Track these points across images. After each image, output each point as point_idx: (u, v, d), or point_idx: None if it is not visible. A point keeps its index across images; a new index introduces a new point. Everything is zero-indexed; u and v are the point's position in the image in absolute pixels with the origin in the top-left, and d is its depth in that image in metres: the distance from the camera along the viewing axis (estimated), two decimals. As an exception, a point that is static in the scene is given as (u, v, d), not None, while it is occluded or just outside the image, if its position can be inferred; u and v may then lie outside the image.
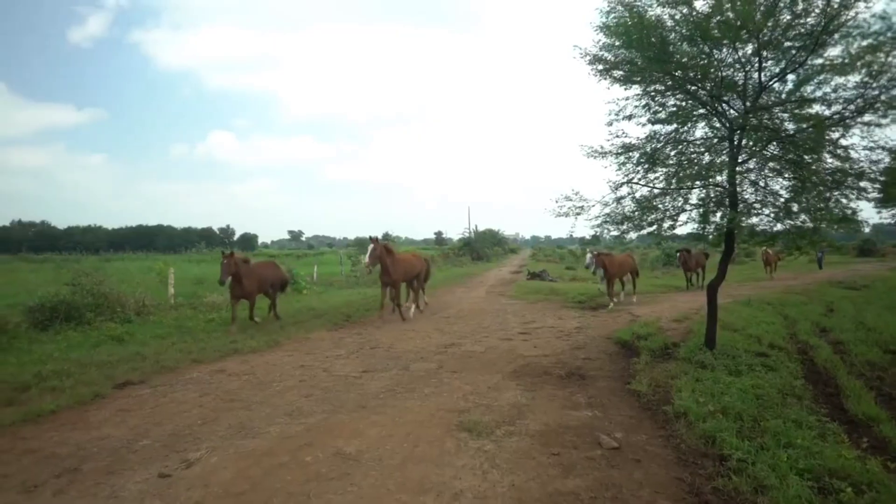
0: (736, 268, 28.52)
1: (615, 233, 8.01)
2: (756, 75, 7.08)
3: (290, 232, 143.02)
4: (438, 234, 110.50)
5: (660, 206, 7.79)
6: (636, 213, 7.78)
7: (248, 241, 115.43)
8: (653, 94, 7.92)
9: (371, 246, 11.85)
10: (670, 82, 7.62)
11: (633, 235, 8.38)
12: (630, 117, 8.08)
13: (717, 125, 7.73)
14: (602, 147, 8.15)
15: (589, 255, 16.04)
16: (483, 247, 51.36)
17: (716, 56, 7.24)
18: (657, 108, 7.98)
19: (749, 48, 6.97)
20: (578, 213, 7.86)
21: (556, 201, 7.99)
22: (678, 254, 19.94)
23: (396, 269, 12.43)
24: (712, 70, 7.29)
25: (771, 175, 7.30)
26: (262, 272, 11.68)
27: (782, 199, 7.04)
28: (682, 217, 7.75)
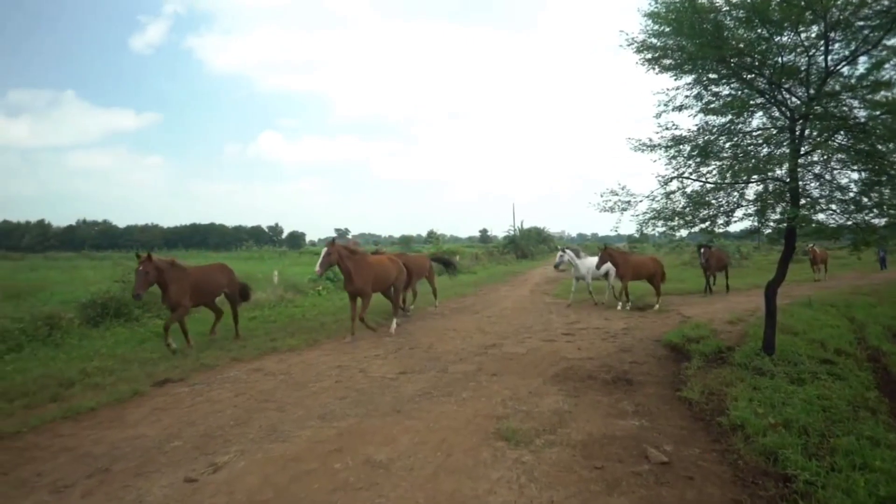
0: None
1: (663, 229, 7.59)
2: (821, 59, 6.54)
3: (337, 230, 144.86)
4: (483, 231, 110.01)
5: (713, 201, 7.34)
6: (687, 208, 7.35)
7: (296, 238, 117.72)
8: (705, 82, 7.46)
9: (325, 249, 9.82)
10: (724, 70, 7.15)
11: (683, 233, 7.93)
12: (681, 108, 7.65)
13: (777, 115, 7.21)
14: (651, 140, 7.74)
15: (560, 254, 15.16)
16: (528, 245, 50.71)
17: (775, 40, 6.72)
18: (710, 97, 7.51)
19: (814, 30, 6.44)
20: (625, 209, 7.48)
21: (602, 196, 7.64)
22: (701, 250, 17.29)
23: (362, 276, 10.14)
24: (771, 55, 6.79)
25: (838, 167, 6.73)
26: (202, 278, 9.30)
27: (851, 194, 6.48)
28: (738, 213, 7.29)
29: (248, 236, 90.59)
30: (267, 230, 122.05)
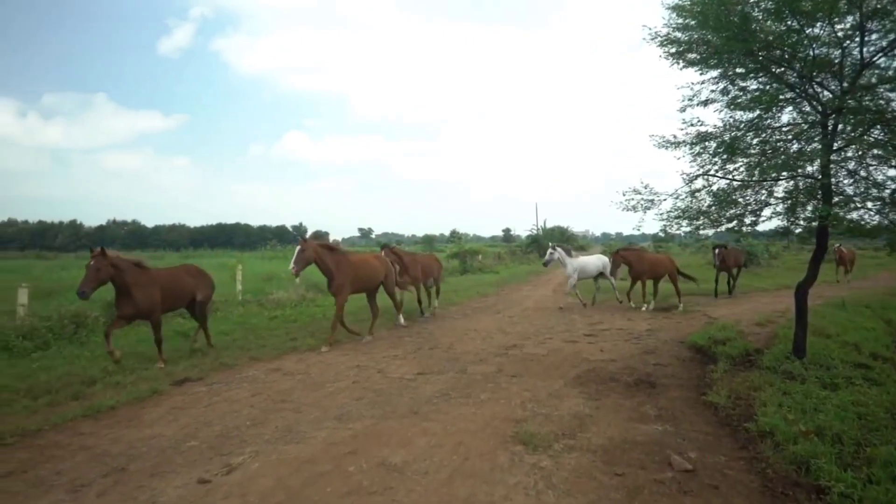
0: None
1: (688, 229, 7.39)
2: (857, 51, 6.29)
3: (360, 229, 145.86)
4: (506, 231, 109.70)
5: (740, 199, 7.12)
6: (713, 207, 7.15)
7: (320, 238, 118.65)
8: (732, 77, 7.25)
9: (298, 247, 9.21)
10: (752, 64, 6.93)
11: (709, 232, 7.71)
12: (706, 103, 7.45)
13: (808, 109, 6.97)
14: (675, 137, 7.55)
15: (549, 251, 14.77)
16: (551, 244, 50.31)
17: (807, 32, 6.48)
18: (737, 92, 7.30)
19: (849, 21, 6.20)
20: (648, 208, 7.30)
21: (624, 195, 7.46)
22: (716, 250, 16.39)
23: (342, 274, 9.58)
24: (802, 48, 6.55)
25: (874, 164, 6.46)
26: (170, 282, 8.16)
27: (888, 191, 6.22)
28: (766, 212, 7.05)
29: (273, 236, 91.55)
30: (291, 229, 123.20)
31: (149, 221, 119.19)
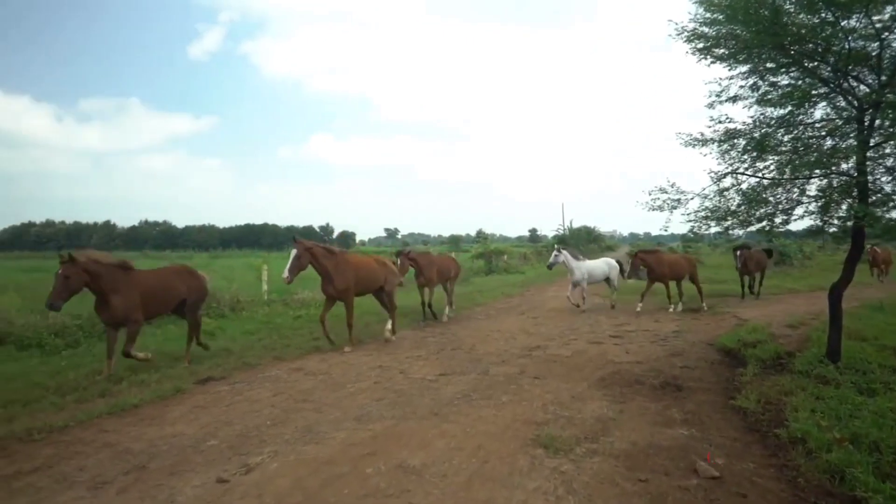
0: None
1: (717, 229, 7.20)
2: None
3: (387, 230, 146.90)
4: (532, 231, 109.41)
5: (770, 198, 6.91)
6: (742, 206, 6.95)
7: (347, 238, 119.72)
8: (762, 72, 7.04)
9: (293, 251, 8.53)
10: (784, 58, 6.72)
11: (738, 232, 7.50)
12: (734, 99, 7.25)
13: (843, 104, 6.72)
14: (702, 134, 7.37)
15: (555, 253, 13.99)
16: (577, 244, 49.88)
17: (842, 24, 6.25)
18: (767, 87, 7.09)
19: (888, 11, 5.96)
20: (674, 207, 7.13)
21: (650, 194, 7.30)
22: (737, 253, 15.45)
23: (343, 277, 9.01)
24: (837, 41, 6.33)
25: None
26: (155, 285, 7.45)
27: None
28: (798, 211, 6.83)
29: (300, 236, 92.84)
30: (318, 230, 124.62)
31: (179, 222, 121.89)
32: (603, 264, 14.81)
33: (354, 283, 9.29)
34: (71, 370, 6.91)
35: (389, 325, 9.93)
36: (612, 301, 14.46)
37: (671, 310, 13.44)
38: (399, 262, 11.64)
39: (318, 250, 8.78)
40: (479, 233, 59.34)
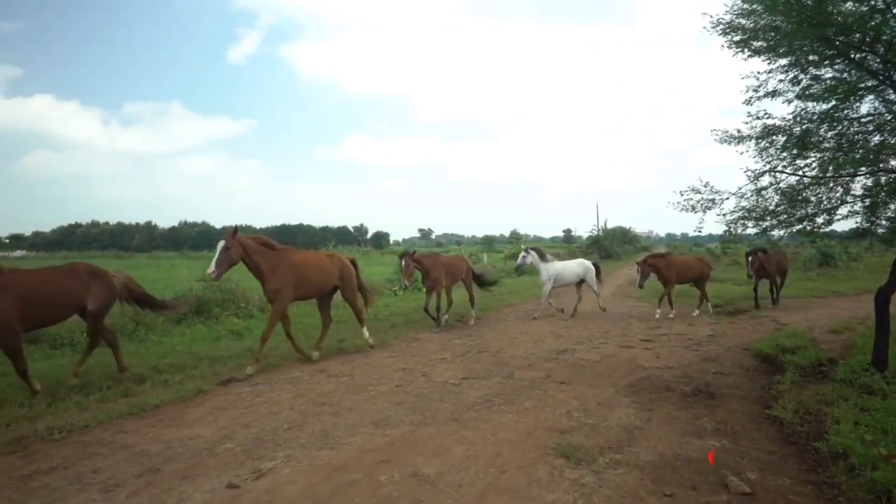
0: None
1: (754, 230, 6.88)
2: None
3: (420, 230, 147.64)
4: (567, 231, 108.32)
5: (812, 197, 6.56)
6: (781, 206, 6.62)
7: (381, 238, 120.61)
8: (804, 65, 6.68)
9: (221, 243, 7.21)
10: (828, 50, 6.36)
11: (778, 233, 7.16)
12: (773, 94, 6.91)
13: (893, 97, 6.34)
14: (739, 131, 7.06)
15: (522, 255, 13.34)
16: (612, 245, 49.08)
17: (893, 12, 5.88)
18: (809, 81, 6.73)
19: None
20: (708, 208, 6.84)
21: (682, 194, 7.03)
22: (749, 257, 13.82)
23: (281, 276, 7.72)
24: (887, 30, 5.94)
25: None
26: (42, 285, 6.24)
27: None
28: (842, 210, 6.47)
29: (334, 236, 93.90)
30: (352, 230, 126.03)
31: (217, 222, 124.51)
32: (576, 266, 13.83)
33: (296, 286, 7.96)
34: (98, 369, 7.01)
35: (366, 333, 9.06)
36: (575, 307, 13.37)
37: (695, 313, 12.81)
38: (403, 264, 11.22)
39: (250, 244, 7.59)
40: (513, 233, 59.01)
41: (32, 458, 4.42)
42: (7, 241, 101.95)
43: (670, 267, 13.00)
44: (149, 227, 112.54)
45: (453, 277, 12.23)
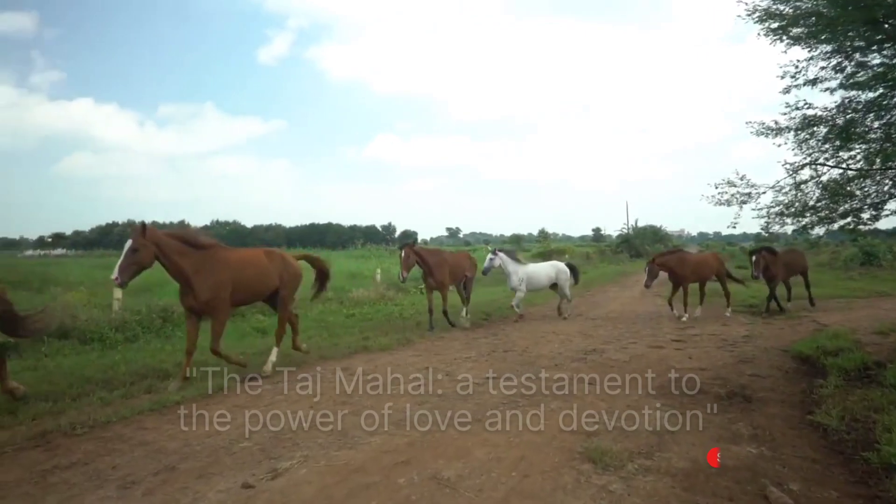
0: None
1: (793, 226, 6.57)
2: None
3: (448, 229, 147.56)
4: (596, 230, 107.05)
5: (857, 191, 6.23)
6: (823, 201, 6.30)
7: (408, 237, 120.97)
8: (849, 51, 6.34)
9: (128, 244, 6.02)
10: (876, 34, 6.01)
11: (819, 231, 6.82)
12: (814, 82, 6.58)
13: (947, 84, 5.96)
14: (776, 123, 6.75)
15: (490, 257, 12.18)
16: (642, 243, 48.36)
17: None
18: (854, 68, 6.39)
19: None
20: (744, 202, 6.59)
21: (717, 187, 6.77)
22: (753, 257, 12.48)
23: (209, 280, 6.48)
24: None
25: None
26: None
27: None
28: (890, 205, 6.12)
29: (362, 235, 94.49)
30: (380, 229, 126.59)
31: (248, 221, 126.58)
32: (549, 268, 13.05)
33: (233, 290, 6.78)
34: (123, 365, 7.04)
35: (274, 356, 7.39)
36: (562, 309, 12.81)
37: (684, 317, 12.01)
38: (402, 255, 10.60)
39: (168, 242, 6.26)
40: (541, 232, 58.58)
41: (54, 452, 4.41)
42: (49, 239, 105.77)
43: (685, 264, 12.29)
44: (181, 227, 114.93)
45: (456, 276, 11.69)
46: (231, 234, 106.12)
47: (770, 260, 12.43)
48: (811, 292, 13.74)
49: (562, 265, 13.30)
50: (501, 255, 12.27)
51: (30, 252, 63.33)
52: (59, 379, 6.40)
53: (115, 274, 5.98)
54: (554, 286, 12.87)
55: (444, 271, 11.07)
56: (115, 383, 6.28)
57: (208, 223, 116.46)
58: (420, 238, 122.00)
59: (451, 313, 11.45)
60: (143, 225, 6.10)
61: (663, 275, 12.46)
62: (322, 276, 8.70)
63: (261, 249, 7.94)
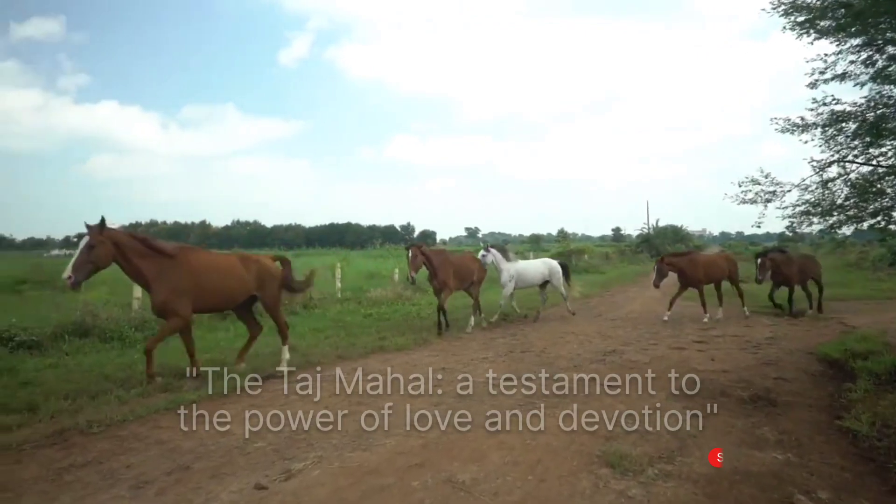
0: None
1: (820, 226, 6.38)
2: None
3: (467, 229, 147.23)
4: (616, 230, 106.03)
5: (888, 189, 6.02)
6: (851, 199, 6.11)
7: (427, 237, 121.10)
8: (880, 44, 6.14)
9: (84, 242, 5.79)
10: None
11: (846, 230, 6.62)
12: (843, 77, 6.38)
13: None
14: (802, 119, 6.56)
15: (482, 253, 11.93)
16: (663, 243, 47.73)
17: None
18: (885, 62, 6.18)
19: None
20: (769, 200, 6.41)
21: (740, 185, 6.61)
22: (759, 259, 12.09)
23: (168, 283, 6.28)
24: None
25: None
26: None
27: None
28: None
29: (381, 235, 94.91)
30: (399, 229, 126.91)
31: (268, 221, 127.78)
32: (541, 265, 12.92)
33: (198, 296, 6.58)
34: (141, 363, 7.07)
35: (286, 353, 7.36)
36: (568, 308, 12.77)
37: (707, 318, 11.73)
38: (410, 255, 10.45)
39: (128, 242, 5.99)
40: (560, 231, 58.15)
41: (70, 450, 4.43)
42: (75, 239, 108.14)
43: (696, 265, 12.00)
44: (203, 227, 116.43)
45: (462, 278, 11.40)
46: (251, 234, 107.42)
47: (782, 260, 12.10)
48: (822, 298, 13.07)
49: (554, 263, 13.14)
50: (493, 252, 12.08)
51: (56, 251, 64.56)
52: (79, 377, 6.47)
53: (67, 272, 5.60)
54: (546, 284, 12.79)
55: (448, 272, 10.92)
56: (133, 382, 6.28)
57: (229, 223, 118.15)
58: (439, 238, 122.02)
59: (462, 317, 11.34)
60: (103, 221, 5.89)
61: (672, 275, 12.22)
62: (286, 276, 7.94)
63: (236, 255, 7.81)
